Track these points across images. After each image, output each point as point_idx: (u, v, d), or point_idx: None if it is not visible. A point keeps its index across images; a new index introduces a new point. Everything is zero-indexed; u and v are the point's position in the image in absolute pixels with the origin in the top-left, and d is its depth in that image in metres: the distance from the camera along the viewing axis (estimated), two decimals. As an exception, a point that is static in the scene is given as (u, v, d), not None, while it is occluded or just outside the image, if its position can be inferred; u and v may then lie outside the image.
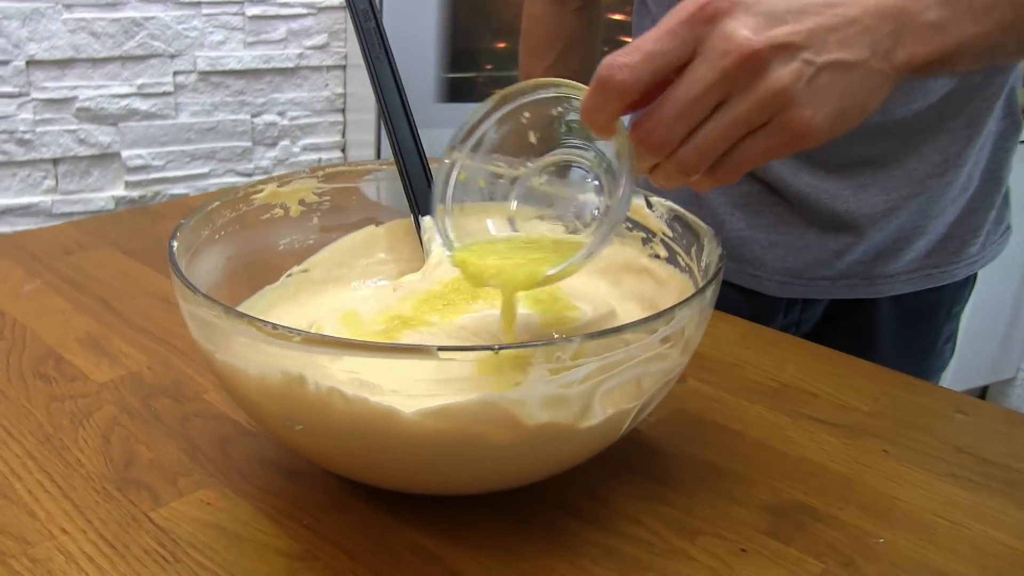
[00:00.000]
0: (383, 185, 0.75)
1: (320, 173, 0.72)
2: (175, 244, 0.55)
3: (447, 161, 0.59)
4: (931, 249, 0.92)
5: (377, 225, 0.75)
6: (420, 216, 0.73)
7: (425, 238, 0.72)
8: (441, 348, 0.41)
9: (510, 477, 0.52)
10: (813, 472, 0.63)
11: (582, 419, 0.46)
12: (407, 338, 0.58)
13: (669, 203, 0.65)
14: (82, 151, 1.83)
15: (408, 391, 0.43)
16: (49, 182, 1.83)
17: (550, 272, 0.51)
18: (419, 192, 0.73)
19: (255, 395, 0.48)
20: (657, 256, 0.67)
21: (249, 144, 2.05)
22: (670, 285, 0.64)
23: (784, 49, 0.46)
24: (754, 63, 0.45)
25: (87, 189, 1.87)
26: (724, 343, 0.81)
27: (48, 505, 0.55)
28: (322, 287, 0.72)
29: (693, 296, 0.49)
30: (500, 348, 0.41)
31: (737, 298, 0.95)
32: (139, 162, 1.91)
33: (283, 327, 0.43)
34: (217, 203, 0.63)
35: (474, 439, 0.45)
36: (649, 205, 0.67)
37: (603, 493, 0.59)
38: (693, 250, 0.61)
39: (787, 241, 0.91)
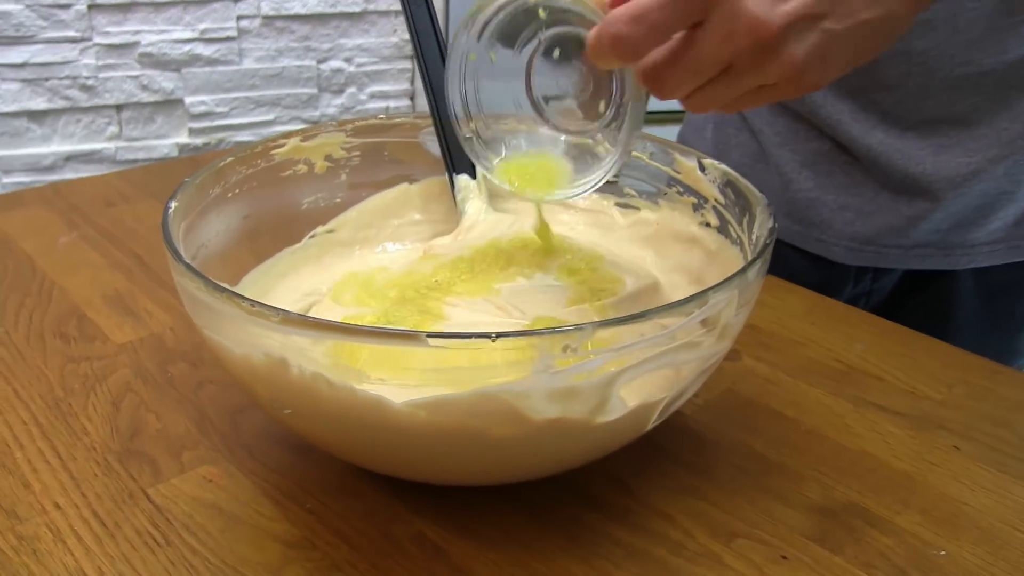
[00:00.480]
0: (418, 140, 0.70)
1: (349, 127, 0.68)
2: (173, 205, 0.51)
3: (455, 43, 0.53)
4: (1019, 218, 0.82)
5: (411, 183, 0.71)
6: (455, 174, 0.68)
7: (459, 198, 0.68)
8: (431, 335, 0.36)
9: (518, 472, 0.47)
10: (872, 468, 0.57)
11: (599, 414, 0.41)
12: (420, 309, 0.53)
13: (723, 167, 0.59)
14: (145, 97, 1.83)
15: (396, 380, 0.38)
16: (112, 128, 1.84)
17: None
18: (455, 148, 0.68)
19: (242, 375, 0.44)
20: (708, 224, 0.61)
21: (315, 91, 2.02)
22: (719, 258, 0.58)
23: (802, 21, 0.41)
24: (767, 44, 0.42)
25: (151, 136, 1.87)
26: (787, 316, 0.75)
27: (45, 477, 0.53)
28: (348, 249, 0.68)
29: (732, 277, 0.43)
30: (497, 335, 0.36)
31: (803, 264, 0.88)
32: (202, 108, 1.90)
33: (263, 305, 0.39)
34: (231, 159, 0.59)
35: (474, 433, 0.40)
36: (702, 168, 0.61)
37: (634, 484, 0.54)
38: (745, 220, 0.55)
39: (857, 204, 0.83)
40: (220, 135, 1.93)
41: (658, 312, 0.39)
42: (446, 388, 0.38)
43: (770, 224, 0.49)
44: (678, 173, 0.63)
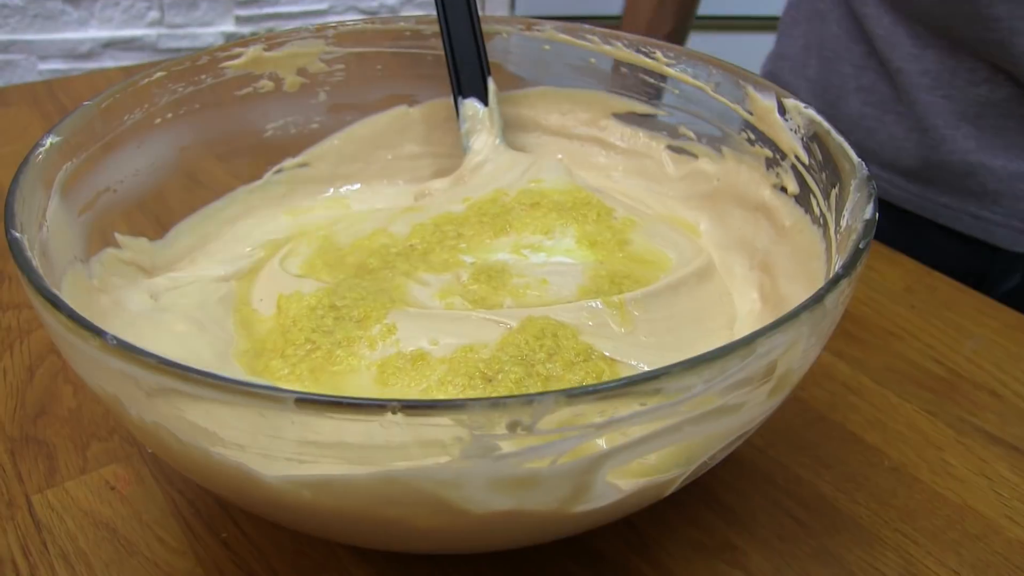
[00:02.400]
0: (421, 52, 0.55)
1: (330, 32, 0.53)
2: (49, 141, 0.38)
3: None
4: None
5: (410, 106, 0.56)
6: (461, 99, 0.53)
7: (465, 129, 0.53)
8: (301, 398, 0.23)
9: (463, 550, 0.34)
10: (977, 534, 0.42)
11: (576, 503, 0.27)
12: (379, 287, 0.40)
13: (810, 112, 0.42)
14: (189, -20, 1.69)
15: (259, 449, 0.25)
16: (154, 14, 1.71)
17: None
18: (464, 63, 0.53)
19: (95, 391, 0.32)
20: (783, 189, 0.45)
21: (375, -24, 1.85)
22: (794, 239, 0.42)
23: None
24: None
25: (194, 23, 1.74)
26: (881, 294, 0.59)
27: (-99, 473, 0.42)
28: (322, 189, 0.54)
29: (800, 309, 0.27)
30: (401, 407, 0.22)
31: (951, 247, 0.70)
32: (250, -6, 1.76)
33: (73, 317, 0.26)
34: (160, 74, 0.46)
35: (387, 520, 0.27)
36: (782, 109, 0.45)
37: (650, 536, 0.41)
38: (834, 193, 0.39)
39: None
40: (269, 24, 1.79)
41: (674, 375, 0.24)
42: (335, 465, 0.25)
43: (867, 214, 0.33)
44: (750, 114, 0.47)
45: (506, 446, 0.24)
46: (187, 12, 1.73)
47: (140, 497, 0.42)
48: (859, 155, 0.38)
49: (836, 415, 0.49)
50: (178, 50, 1.72)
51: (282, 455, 0.25)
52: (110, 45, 1.70)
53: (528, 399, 0.23)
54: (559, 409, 0.23)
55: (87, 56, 1.71)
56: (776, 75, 0.77)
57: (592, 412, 0.24)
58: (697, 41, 0.91)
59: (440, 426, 0.23)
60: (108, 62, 1.70)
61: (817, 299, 0.28)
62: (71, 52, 1.68)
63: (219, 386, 0.24)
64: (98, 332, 0.26)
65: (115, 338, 0.25)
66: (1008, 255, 0.69)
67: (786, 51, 0.77)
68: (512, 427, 0.23)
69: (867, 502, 0.44)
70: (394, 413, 0.22)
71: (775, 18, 0.82)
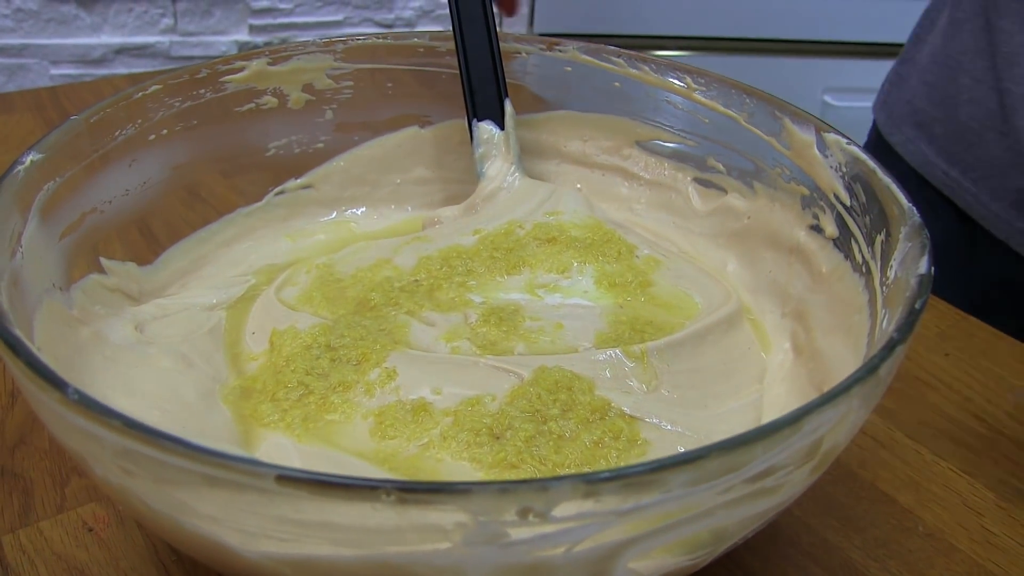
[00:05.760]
0: (436, 70, 0.53)
1: (339, 47, 0.50)
2: (30, 159, 0.35)
3: None
4: None
5: (422, 127, 0.54)
6: (476, 121, 0.50)
7: (479, 153, 0.50)
8: (282, 475, 0.20)
9: None
10: (1025, 616, 0.39)
11: (592, 591, 0.24)
12: (379, 327, 0.37)
13: (853, 148, 0.39)
14: (202, -13, 1.67)
15: (235, 524, 0.22)
16: (167, 21, 1.69)
17: None
18: (480, 84, 0.50)
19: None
20: (820, 230, 0.42)
21: (390, -11, 1.83)
22: (831, 289, 0.39)
23: None
24: None
25: (208, 31, 1.72)
26: (914, 340, 0.55)
27: None
28: (325, 212, 0.51)
29: (852, 382, 0.24)
30: (395, 489, 0.19)
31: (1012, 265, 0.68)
32: (264, 3, 1.73)
33: (33, 365, 0.23)
34: (156, 87, 0.43)
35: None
36: (822, 144, 0.41)
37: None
38: (879, 240, 0.36)
39: None
40: (283, 34, 1.76)
41: (710, 458, 0.21)
42: (320, 546, 0.22)
43: (922, 268, 0.30)
44: (787, 148, 0.44)
45: (516, 533, 0.21)
46: (200, 20, 1.71)
47: (119, 541, 0.39)
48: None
49: (866, 472, 0.46)
50: (190, 58, 1.70)
51: (260, 532, 0.22)
52: (122, 51, 1.68)
53: (543, 485, 0.20)
54: (577, 497, 0.20)
55: (99, 62, 1.69)
56: (903, 77, 0.76)
57: (614, 499, 0.21)
58: (749, 64, 0.87)
59: (441, 511, 0.20)
60: (120, 68, 1.68)
61: (871, 369, 0.25)
62: (83, 57, 1.66)
63: (192, 456, 0.21)
64: (60, 384, 0.23)
65: (77, 392, 0.22)
66: None
67: (915, 56, 0.76)
68: (523, 514, 0.20)
69: (900, 571, 0.40)
70: (388, 495, 0.19)
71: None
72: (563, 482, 0.20)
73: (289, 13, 1.76)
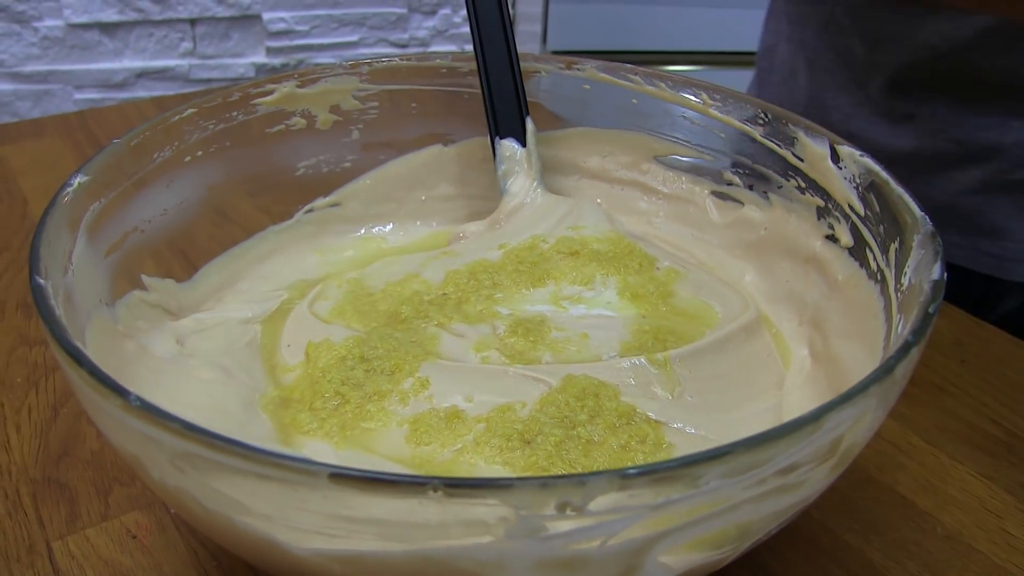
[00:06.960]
0: (458, 89, 0.54)
1: (365, 69, 0.52)
2: (78, 181, 0.37)
3: None
4: None
5: (446, 145, 0.55)
6: (498, 139, 0.52)
7: (502, 171, 0.51)
8: (335, 473, 0.21)
9: None
10: (1044, 616, 0.39)
11: (625, 584, 0.25)
12: (411, 338, 0.38)
13: (867, 161, 0.41)
14: (221, 11, 1.70)
15: (287, 521, 0.23)
16: (187, 44, 1.73)
17: None
18: (502, 102, 0.52)
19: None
20: (836, 240, 0.43)
21: (404, 11, 1.85)
22: (847, 296, 0.40)
23: None
24: None
25: (226, 54, 1.75)
26: (929, 347, 0.56)
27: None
28: (353, 229, 0.53)
29: (869, 382, 0.25)
30: (441, 484, 0.21)
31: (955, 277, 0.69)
32: (281, 26, 1.76)
33: (92, 371, 0.24)
34: (191, 110, 0.45)
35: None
36: (835, 157, 0.43)
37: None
38: (893, 248, 0.37)
39: None
40: (299, 56, 1.79)
41: (737, 454, 0.22)
42: (368, 541, 0.23)
43: (935, 274, 0.31)
44: (801, 160, 0.45)
45: (554, 527, 0.22)
46: (219, 43, 1.74)
47: (161, 548, 0.41)
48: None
49: (885, 476, 0.47)
50: (209, 80, 1.73)
51: (312, 528, 0.23)
52: (143, 75, 1.72)
53: (580, 480, 0.21)
54: (612, 490, 0.21)
55: (120, 86, 1.72)
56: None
57: (647, 493, 0.22)
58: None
59: (484, 505, 0.21)
60: (140, 92, 1.71)
61: (887, 369, 0.26)
62: (105, 82, 1.70)
63: (248, 456, 0.22)
64: (121, 392, 0.24)
65: (138, 399, 0.24)
66: (1009, 283, 0.67)
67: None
68: (561, 508, 0.22)
69: (920, 572, 0.41)
70: (435, 491, 0.21)
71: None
72: (599, 477, 0.21)
73: (305, 35, 1.79)
